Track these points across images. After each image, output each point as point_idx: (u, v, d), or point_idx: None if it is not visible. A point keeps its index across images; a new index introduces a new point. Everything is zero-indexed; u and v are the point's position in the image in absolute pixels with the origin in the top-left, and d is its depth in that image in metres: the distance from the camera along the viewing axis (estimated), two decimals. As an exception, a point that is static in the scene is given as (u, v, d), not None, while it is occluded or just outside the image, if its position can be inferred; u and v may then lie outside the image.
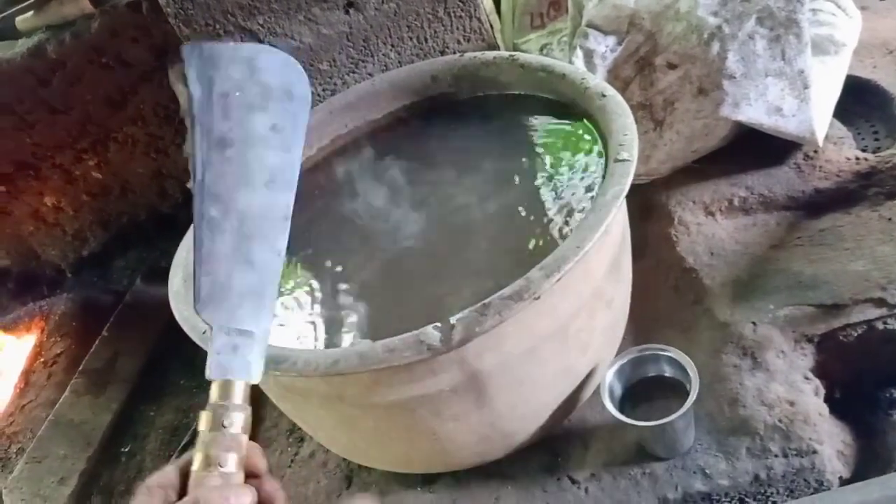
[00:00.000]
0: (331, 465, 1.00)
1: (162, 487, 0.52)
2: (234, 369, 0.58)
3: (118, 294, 1.72)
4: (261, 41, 1.12)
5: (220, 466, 0.52)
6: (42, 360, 1.55)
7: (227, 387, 0.57)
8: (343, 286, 0.86)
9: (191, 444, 1.20)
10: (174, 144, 1.72)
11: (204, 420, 0.55)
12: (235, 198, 0.62)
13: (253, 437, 1.17)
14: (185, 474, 0.53)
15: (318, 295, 0.86)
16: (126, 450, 1.27)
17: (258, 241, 0.62)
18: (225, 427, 0.54)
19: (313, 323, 0.82)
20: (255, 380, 0.59)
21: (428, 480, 0.90)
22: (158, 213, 1.84)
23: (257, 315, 0.60)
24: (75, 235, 1.84)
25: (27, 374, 1.51)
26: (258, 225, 0.62)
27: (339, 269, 0.88)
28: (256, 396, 1.17)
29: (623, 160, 0.76)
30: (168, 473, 0.53)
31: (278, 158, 0.66)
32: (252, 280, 0.61)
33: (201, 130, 0.64)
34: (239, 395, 0.56)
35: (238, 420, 0.55)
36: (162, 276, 0.85)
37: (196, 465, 0.53)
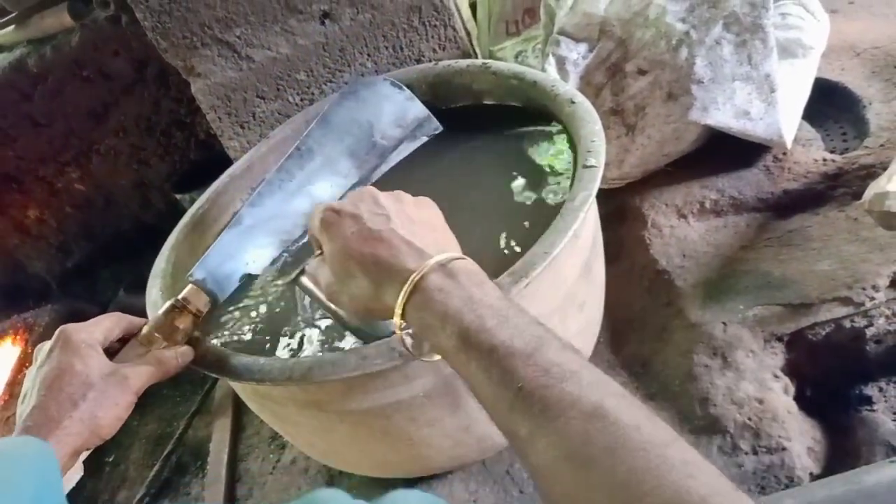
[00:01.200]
0: (312, 471, 1.01)
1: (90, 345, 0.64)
2: (207, 284, 0.74)
3: (103, 305, 1.72)
4: (238, 52, 1.13)
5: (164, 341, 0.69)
6: (27, 371, 1.55)
7: (195, 293, 0.72)
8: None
9: (174, 452, 1.21)
10: (156, 156, 1.73)
11: (166, 306, 0.70)
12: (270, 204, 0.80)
13: (234, 445, 1.18)
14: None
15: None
16: (109, 459, 1.28)
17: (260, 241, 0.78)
18: (175, 322, 0.69)
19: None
20: (218, 300, 0.76)
21: (408, 483, 0.91)
22: (142, 224, 1.85)
23: (229, 280, 0.78)
24: (60, 247, 1.85)
25: (11, 386, 1.51)
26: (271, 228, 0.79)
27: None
28: (237, 405, 1.19)
29: (591, 166, 0.77)
30: (93, 333, 0.65)
31: (328, 182, 0.86)
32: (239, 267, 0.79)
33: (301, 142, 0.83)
34: (199, 304, 0.72)
35: (188, 323, 0.71)
36: (145, 286, 0.86)
37: (145, 330, 0.69)
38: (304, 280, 0.68)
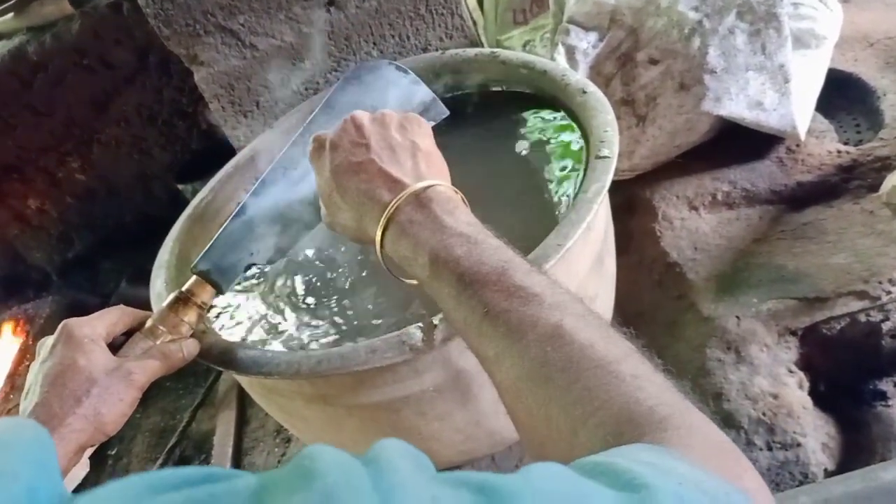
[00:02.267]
0: (318, 465, 1.00)
1: (93, 340, 0.62)
2: (211, 275, 0.72)
3: (105, 296, 1.71)
4: (241, 40, 1.11)
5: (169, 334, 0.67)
6: (28, 363, 1.54)
7: (199, 285, 0.71)
8: (327, 288, 0.85)
9: (178, 445, 1.20)
10: (158, 145, 1.72)
11: (171, 298, 0.69)
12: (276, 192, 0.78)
13: (239, 439, 1.17)
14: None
15: (303, 295, 0.85)
16: (112, 452, 1.27)
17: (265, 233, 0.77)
18: (180, 315, 0.68)
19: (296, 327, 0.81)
20: (223, 291, 0.74)
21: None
22: (144, 215, 1.83)
23: (233, 271, 0.75)
24: (60, 238, 1.83)
25: (13, 378, 1.50)
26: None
27: (322, 271, 0.88)
28: (242, 398, 1.17)
29: (604, 157, 0.76)
30: (96, 328, 0.64)
31: None
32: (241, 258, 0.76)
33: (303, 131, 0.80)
34: (204, 296, 0.70)
35: (193, 315, 0.69)
36: (147, 278, 0.85)
37: (149, 323, 0.67)
38: None
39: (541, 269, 0.51)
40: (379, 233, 0.56)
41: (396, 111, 0.64)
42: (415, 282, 0.59)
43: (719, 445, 0.38)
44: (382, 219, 0.55)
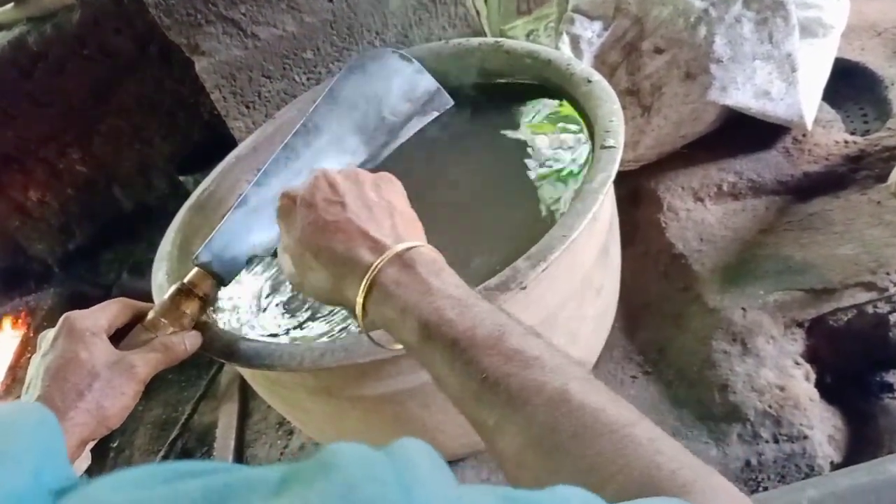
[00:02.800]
0: (321, 457, 0.99)
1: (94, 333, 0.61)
2: (213, 267, 0.71)
3: (106, 288, 1.70)
4: (243, 30, 1.10)
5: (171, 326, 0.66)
6: (29, 355, 1.53)
7: (201, 277, 0.70)
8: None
9: (180, 437, 1.20)
10: (159, 136, 1.71)
11: (172, 290, 0.68)
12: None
13: (241, 431, 1.17)
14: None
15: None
16: (114, 445, 1.26)
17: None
18: (181, 307, 0.67)
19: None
20: (225, 283, 0.73)
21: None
22: (145, 206, 1.83)
23: (235, 263, 0.75)
24: (61, 229, 1.83)
25: (14, 370, 1.50)
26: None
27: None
28: (244, 390, 1.17)
29: (609, 147, 0.75)
30: (98, 321, 0.63)
31: (335, 161, 0.81)
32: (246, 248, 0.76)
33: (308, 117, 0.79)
34: (206, 287, 0.69)
35: (195, 307, 0.68)
36: (149, 269, 0.84)
37: (151, 315, 0.66)
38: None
39: (535, 331, 0.49)
40: (360, 297, 0.53)
41: (367, 171, 0.62)
42: (400, 347, 0.56)
43: None
44: (364, 281, 0.52)
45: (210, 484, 0.26)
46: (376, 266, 0.52)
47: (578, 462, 0.40)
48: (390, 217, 0.57)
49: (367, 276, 0.52)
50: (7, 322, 1.66)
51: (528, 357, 0.44)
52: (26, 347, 1.56)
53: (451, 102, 0.88)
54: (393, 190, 0.60)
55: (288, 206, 0.60)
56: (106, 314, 0.64)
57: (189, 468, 0.28)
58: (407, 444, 0.29)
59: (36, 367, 0.61)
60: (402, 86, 0.88)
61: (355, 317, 0.54)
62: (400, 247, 0.53)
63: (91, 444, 0.61)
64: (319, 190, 0.58)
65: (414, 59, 0.87)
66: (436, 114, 0.89)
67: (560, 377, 0.43)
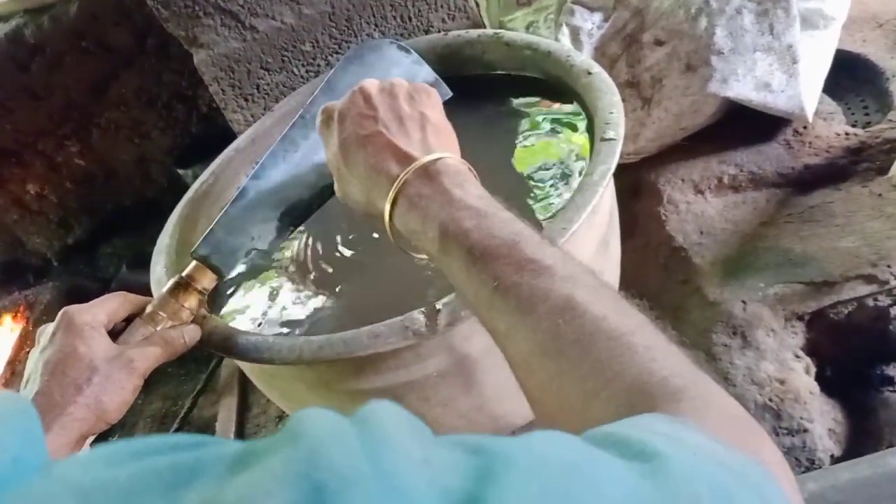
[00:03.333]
0: (320, 451, 0.99)
1: (93, 327, 0.61)
2: (212, 260, 0.71)
3: (105, 281, 1.70)
4: (241, 22, 1.09)
5: (170, 320, 0.66)
6: (28, 349, 1.53)
7: (199, 270, 0.69)
8: (333, 264, 0.85)
9: (180, 431, 1.20)
10: (157, 129, 1.70)
11: (170, 283, 0.68)
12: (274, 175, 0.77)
13: (241, 425, 1.16)
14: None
15: (314, 270, 0.85)
16: (114, 439, 1.26)
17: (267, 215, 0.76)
18: (180, 300, 0.67)
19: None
20: (224, 276, 0.72)
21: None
22: (144, 199, 1.82)
23: (234, 256, 0.74)
24: (60, 223, 1.82)
25: (13, 364, 1.50)
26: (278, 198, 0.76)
27: (328, 248, 0.87)
28: (244, 384, 1.17)
29: (609, 139, 0.74)
30: (97, 315, 0.63)
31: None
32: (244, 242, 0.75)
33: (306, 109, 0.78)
34: (204, 281, 0.69)
35: (193, 301, 0.68)
36: (148, 262, 0.84)
37: (149, 309, 0.66)
38: None
39: (552, 242, 0.49)
40: (387, 207, 0.55)
41: (406, 81, 0.63)
42: (424, 256, 0.58)
43: (736, 417, 0.37)
44: (391, 193, 0.54)
45: (179, 460, 0.26)
46: (402, 178, 0.54)
47: (578, 367, 0.41)
48: (421, 129, 0.58)
49: (393, 188, 0.54)
50: (6, 316, 1.65)
51: (539, 266, 0.45)
52: (25, 341, 1.56)
53: (451, 94, 0.87)
54: (428, 102, 0.61)
55: (326, 122, 0.62)
56: (105, 309, 0.64)
57: (160, 443, 0.28)
58: (376, 406, 0.29)
59: (34, 362, 0.61)
60: (401, 76, 0.87)
61: (385, 227, 0.56)
62: (427, 158, 0.54)
63: (91, 439, 0.60)
64: (354, 104, 0.59)
65: (412, 50, 0.87)
66: None
67: (568, 286, 0.44)
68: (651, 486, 0.28)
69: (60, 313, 0.63)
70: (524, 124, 0.91)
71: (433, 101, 0.62)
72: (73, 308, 0.63)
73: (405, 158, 0.55)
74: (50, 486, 0.26)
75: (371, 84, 0.61)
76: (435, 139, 0.57)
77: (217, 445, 0.27)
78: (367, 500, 0.23)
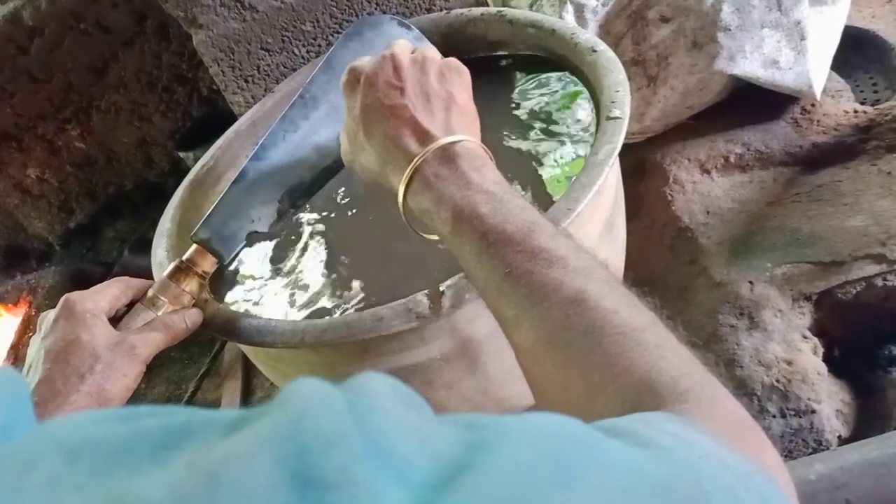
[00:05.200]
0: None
1: (94, 315, 0.61)
2: (212, 243, 0.71)
3: (107, 265, 1.70)
4: (241, 2, 1.08)
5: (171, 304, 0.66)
6: (31, 334, 1.53)
7: (200, 254, 0.69)
8: (341, 244, 0.84)
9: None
10: (158, 112, 1.69)
11: (171, 268, 0.68)
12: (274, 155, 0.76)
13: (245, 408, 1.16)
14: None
15: (319, 256, 0.84)
16: (118, 423, 1.26)
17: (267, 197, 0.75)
18: (181, 284, 0.67)
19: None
20: (224, 259, 0.72)
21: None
22: (145, 182, 1.81)
23: (235, 238, 0.74)
24: (61, 207, 1.82)
25: (16, 349, 1.50)
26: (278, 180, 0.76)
27: (332, 230, 0.86)
28: (247, 367, 1.16)
29: (615, 118, 0.73)
30: (98, 302, 0.62)
31: (333, 132, 0.77)
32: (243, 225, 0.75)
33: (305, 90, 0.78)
34: (205, 265, 0.69)
35: (194, 284, 0.68)
36: (149, 246, 0.83)
37: (150, 293, 0.66)
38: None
39: (567, 233, 0.49)
40: (403, 186, 0.54)
41: (439, 56, 0.62)
42: (435, 237, 0.57)
43: (740, 421, 0.37)
44: (408, 170, 0.53)
45: (170, 422, 0.26)
46: (421, 157, 0.53)
47: (586, 360, 0.40)
48: (446, 109, 0.57)
49: (410, 166, 0.53)
50: (9, 301, 1.65)
51: (552, 256, 0.45)
52: (28, 326, 1.56)
53: None
54: (458, 81, 0.60)
55: (352, 83, 0.61)
56: (106, 295, 0.64)
57: (150, 409, 0.28)
58: (368, 375, 0.29)
59: (36, 350, 0.60)
60: None
61: (397, 203, 0.56)
62: (446, 140, 0.54)
63: None
64: (384, 71, 0.58)
65: (413, 27, 0.85)
66: None
67: (580, 278, 0.44)
68: (655, 463, 0.28)
69: (62, 300, 0.62)
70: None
71: (463, 81, 0.61)
72: (75, 295, 0.62)
73: (426, 137, 0.54)
74: (37, 444, 0.25)
75: (404, 53, 0.60)
76: (458, 120, 0.57)
77: (208, 412, 0.27)
78: (351, 461, 0.23)
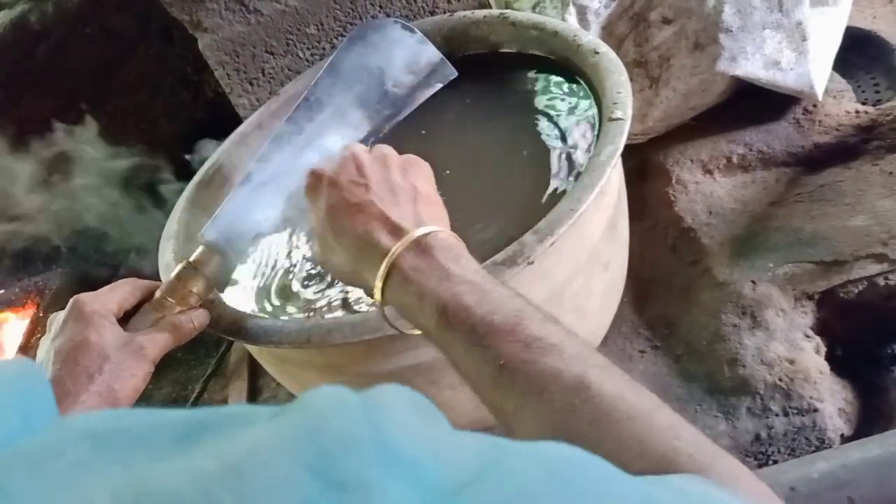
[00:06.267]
0: (330, 434, 1.00)
1: (102, 315, 0.61)
2: (219, 245, 0.70)
3: (114, 267, 1.70)
4: (245, 5, 1.09)
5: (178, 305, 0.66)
6: (38, 336, 1.54)
7: (207, 255, 0.69)
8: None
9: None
10: (164, 115, 1.70)
11: (178, 269, 0.68)
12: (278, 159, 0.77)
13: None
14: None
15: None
16: (126, 424, 1.27)
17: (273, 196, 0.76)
18: (188, 285, 0.67)
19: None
20: (231, 260, 0.72)
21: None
22: (151, 184, 1.82)
23: (241, 240, 0.74)
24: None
25: (24, 351, 1.50)
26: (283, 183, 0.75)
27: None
28: (253, 368, 1.17)
29: (617, 119, 0.74)
30: (107, 303, 0.63)
31: (338, 135, 0.80)
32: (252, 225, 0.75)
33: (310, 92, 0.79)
34: (212, 266, 0.69)
35: (201, 285, 0.68)
36: (156, 248, 0.84)
37: (158, 294, 0.66)
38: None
39: (553, 318, 0.48)
40: (379, 282, 0.53)
41: (396, 153, 0.62)
42: (418, 332, 0.56)
43: (761, 493, 0.37)
44: (383, 266, 0.52)
45: (193, 416, 0.27)
46: (395, 251, 0.52)
47: (596, 449, 0.39)
48: (413, 202, 0.56)
49: (385, 261, 0.52)
50: (16, 303, 1.66)
51: (546, 344, 0.44)
52: (36, 328, 1.57)
53: (455, 74, 0.86)
54: (420, 174, 0.60)
55: (315, 185, 0.60)
56: (115, 296, 0.64)
57: (168, 409, 0.29)
58: (386, 387, 0.29)
59: (46, 351, 0.61)
60: (405, 57, 0.86)
61: (374, 300, 0.54)
62: (419, 232, 0.53)
63: None
64: (346, 170, 0.58)
65: (416, 30, 0.86)
66: (439, 85, 0.88)
67: (579, 364, 0.43)
68: (672, 494, 0.29)
69: (71, 301, 0.63)
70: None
71: (424, 174, 0.61)
72: (84, 296, 0.63)
73: (397, 230, 0.53)
74: (64, 433, 0.26)
75: (363, 152, 0.60)
76: (427, 211, 0.56)
77: (229, 409, 0.29)
78: (365, 466, 0.24)
